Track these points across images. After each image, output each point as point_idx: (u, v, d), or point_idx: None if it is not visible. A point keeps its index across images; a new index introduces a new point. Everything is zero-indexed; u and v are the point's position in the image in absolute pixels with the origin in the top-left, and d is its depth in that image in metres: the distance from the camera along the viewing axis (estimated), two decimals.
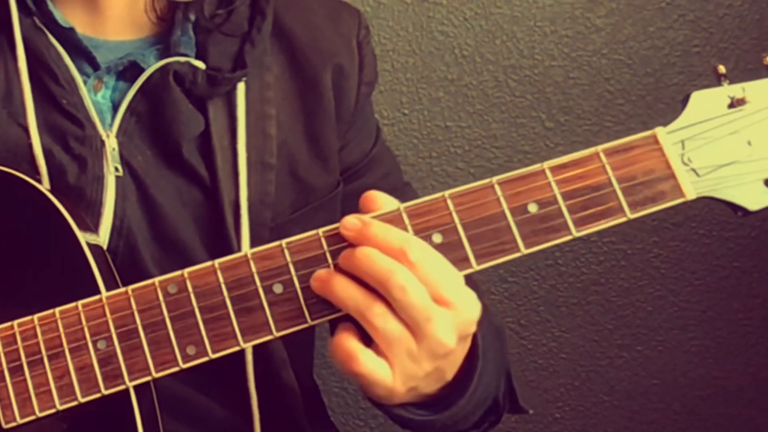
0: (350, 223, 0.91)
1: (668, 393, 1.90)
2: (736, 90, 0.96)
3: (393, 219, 0.92)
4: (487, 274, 1.88)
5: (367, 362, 0.90)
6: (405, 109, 1.82)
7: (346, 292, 0.90)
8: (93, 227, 1.04)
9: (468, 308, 0.92)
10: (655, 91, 1.82)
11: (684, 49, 1.82)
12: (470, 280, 0.99)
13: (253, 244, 1.07)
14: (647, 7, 1.80)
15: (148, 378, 0.94)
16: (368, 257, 0.89)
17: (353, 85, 1.19)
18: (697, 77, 1.81)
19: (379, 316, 0.89)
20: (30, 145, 1.05)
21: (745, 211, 0.97)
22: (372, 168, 1.23)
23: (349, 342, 0.91)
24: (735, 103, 0.96)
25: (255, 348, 1.08)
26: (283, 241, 0.93)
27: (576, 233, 0.92)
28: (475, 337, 0.97)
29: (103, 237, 1.05)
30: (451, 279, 0.91)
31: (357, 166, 1.22)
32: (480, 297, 0.95)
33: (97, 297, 0.95)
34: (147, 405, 0.98)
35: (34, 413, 0.94)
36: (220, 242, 1.09)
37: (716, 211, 1.85)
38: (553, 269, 1.86)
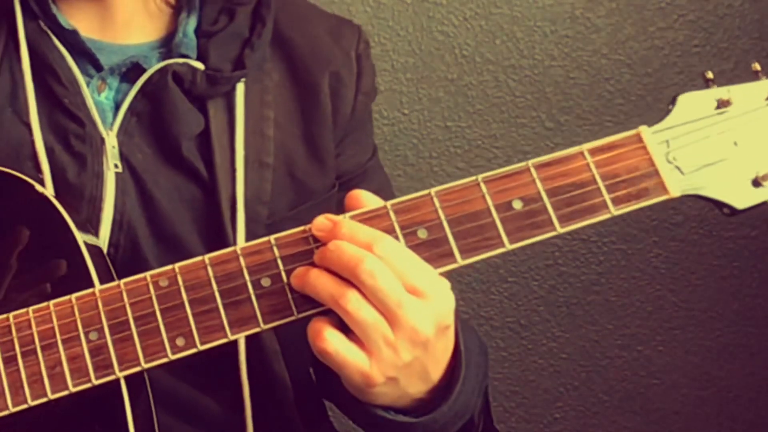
0: (321, 223, 0.94)
1: (668, 393, 1.90)
2: (721, 92, 0.97)
3: (379, 215, 0.94)
4: (487, 273, 1.89)
5: (333, 340, 0.91)
6: (405, 109, 1.82)
7: (320, 282, 0.92)
8: (93, 227, 1.07)
9: (441, 297, 0.93)
10: (654, 91, 1.82)
11: (684, 49, 1.82)
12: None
13: (248, 240, 1.08)
14: (647, 7, 1.81)
15: (138, 368, 0.95)
16: (338, 248, 0.91)
17: (350, 93, 1.22)
18: (696, 77, 1.80)
19: (352, 303, 0.91)
20: (33, 143, 1.09)
21: (732, 209, 0.97)
22: (365, 180, 1.25)
23: (317, 321, 0.93)
24: (721, 105, 0.97)
25: (247, 340, 1.10)
26: (272, 237, 0.95)
27: (560, 229, 0.93)
28: (458, 344, 0.98)
29: (104, 232, 1.08)
30: (421, 270, 0.92)
31: (350, 175, 1.24)
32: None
33: (90, 290, 0.96)
34: (143, 401, 0.99)
35: (26, 402, 0.95)
36: (217, 238, 1.11)
37: (716, 212, 1.84)
38: (553, 269, 1.86)
